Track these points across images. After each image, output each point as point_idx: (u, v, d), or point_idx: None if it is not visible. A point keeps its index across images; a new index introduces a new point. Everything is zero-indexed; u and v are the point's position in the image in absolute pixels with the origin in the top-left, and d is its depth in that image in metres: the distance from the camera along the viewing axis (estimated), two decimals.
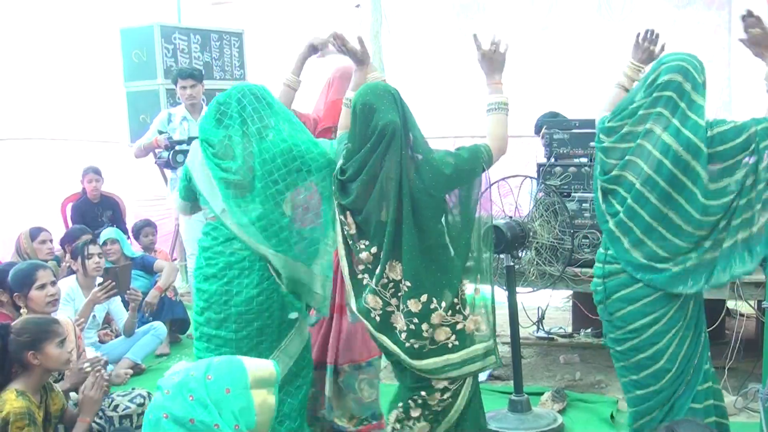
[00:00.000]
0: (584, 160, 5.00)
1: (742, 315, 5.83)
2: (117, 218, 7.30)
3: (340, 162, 3.22)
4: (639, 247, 3.22)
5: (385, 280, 3.13)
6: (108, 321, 5.78)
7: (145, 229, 6.73)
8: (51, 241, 5.99)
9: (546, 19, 7.48)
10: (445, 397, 3.22)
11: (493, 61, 3.27)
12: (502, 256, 4.54)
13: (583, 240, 4.81)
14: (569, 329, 6.37)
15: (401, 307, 3.11)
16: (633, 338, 3.30)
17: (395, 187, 3.04)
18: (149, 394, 4.11)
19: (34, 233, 5.91)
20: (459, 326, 3.17)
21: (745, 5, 6.90)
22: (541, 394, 4.78)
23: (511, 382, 4.98)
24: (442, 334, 3.13)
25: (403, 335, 3.11)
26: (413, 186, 3.05)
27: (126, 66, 7.20)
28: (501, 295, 6.95)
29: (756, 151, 3.11)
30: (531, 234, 4.62)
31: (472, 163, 3.16)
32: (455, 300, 3.16)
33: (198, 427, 2.08)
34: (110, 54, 7.47)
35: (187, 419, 2.08)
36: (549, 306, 6.29)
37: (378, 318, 3.17)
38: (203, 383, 2.14)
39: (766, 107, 3.24)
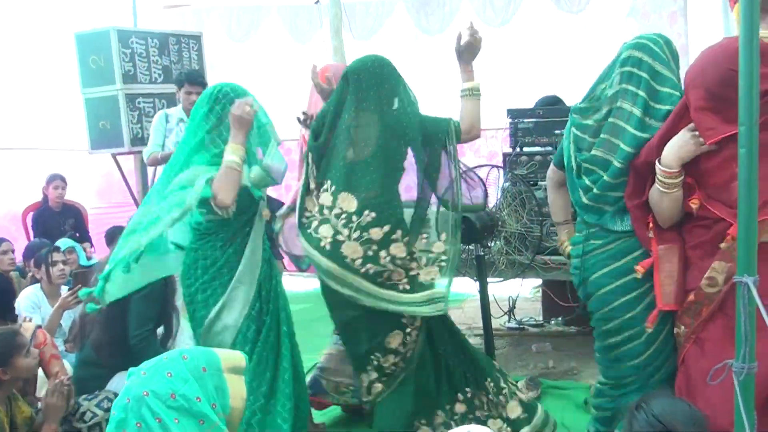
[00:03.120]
0: (549, 148, 5.02)
1: None
2: (80, 226, 7.18)
3: None
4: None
5: (338, 211, 3.40)
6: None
7: (119, 236, 6.63)
8: (13, 251, 5.86)
9: (505, 13, 7.51)
10: (396, 360, 3.53)
11: (473, 48, 3.50)
12: (471, 246, 4.55)
13: (551, 228, 4.82)
14: (539, 319, 6.40)
15: (356, 236, 3.36)
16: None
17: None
18: (117, 396, 4.03)
19: None
20: (413, 272, 3.46)
21: None
22: (516, 383, 4.79)
23: None
24: (395, 275, 3.42)
25: (358, 261, 3.36)
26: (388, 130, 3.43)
27: (82, 72, 7.04)
28: (472, 287, 6.99)
29: None
30: (500, 223, 4.63)
31: (437, 126, 3.49)
32: (413, 245, 3.46)
33: (180, 401, 2.04)
34: (66, 60, 7.33)
35: (168, 394, 2.04)
36: (519, 296, 6.32)
37: (328, 246, 3.39)
38: (180, 362, 2.12)
39: None
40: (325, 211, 3.45)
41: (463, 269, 4.94)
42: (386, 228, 3.39)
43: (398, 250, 3.41)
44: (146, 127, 7.03)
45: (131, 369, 2.17)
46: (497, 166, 4.87)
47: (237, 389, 2.16)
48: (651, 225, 3.09)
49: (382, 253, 3.38)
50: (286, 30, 8.40)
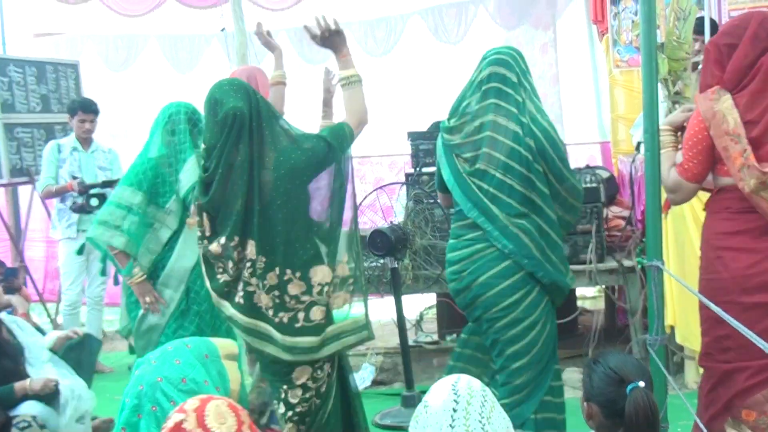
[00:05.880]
0: None
1: (589, 311, 6.41)
2: None
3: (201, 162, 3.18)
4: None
5: (240, 259, 3.10)
6: None
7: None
8: None
9: (386, 44, 7.82)
10: (307, 396, 3.17)
11: (332, 40, 3.26)
12: (383, 261, 4.72)
13: None
14: (435, 336, 6.63)
15: (261, 284, 3.08)
16: (503, 317, 3.36)
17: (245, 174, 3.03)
18: (33, 418, 3.92)
19: None
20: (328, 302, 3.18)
21: (568, 27, 7.65)
22: (426, 392, 4.96)
23: (395, 385, 5.19)
24: (317, 313, 3.12)
25: (270, 312, 3.10)
26: (265, 175, 3.05)
27: None
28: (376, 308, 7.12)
29: None
30: (410, 238, 4.83)
31: (329, 143, 3.16)
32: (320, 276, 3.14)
33: (190, 385, 2.25)
34: None
35: (179, 379, 2.25)
36: (423, 312, 6.59)
37: (242, 300, 3.11)
38: (185, 350, 2.34)
39: None
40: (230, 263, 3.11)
41: (373, 286, 5.09)
42: (277, 270, 3.09)
43: (296, 287, 3.11)
44: (25, 158, 6.84)
45: (138, 360, 2.37)
46: (405, 183, 5.10)
47: (234, 374, 2.40)
48: None
49: (285, 298, 3.10)
50: (166, 60, 8.37)
